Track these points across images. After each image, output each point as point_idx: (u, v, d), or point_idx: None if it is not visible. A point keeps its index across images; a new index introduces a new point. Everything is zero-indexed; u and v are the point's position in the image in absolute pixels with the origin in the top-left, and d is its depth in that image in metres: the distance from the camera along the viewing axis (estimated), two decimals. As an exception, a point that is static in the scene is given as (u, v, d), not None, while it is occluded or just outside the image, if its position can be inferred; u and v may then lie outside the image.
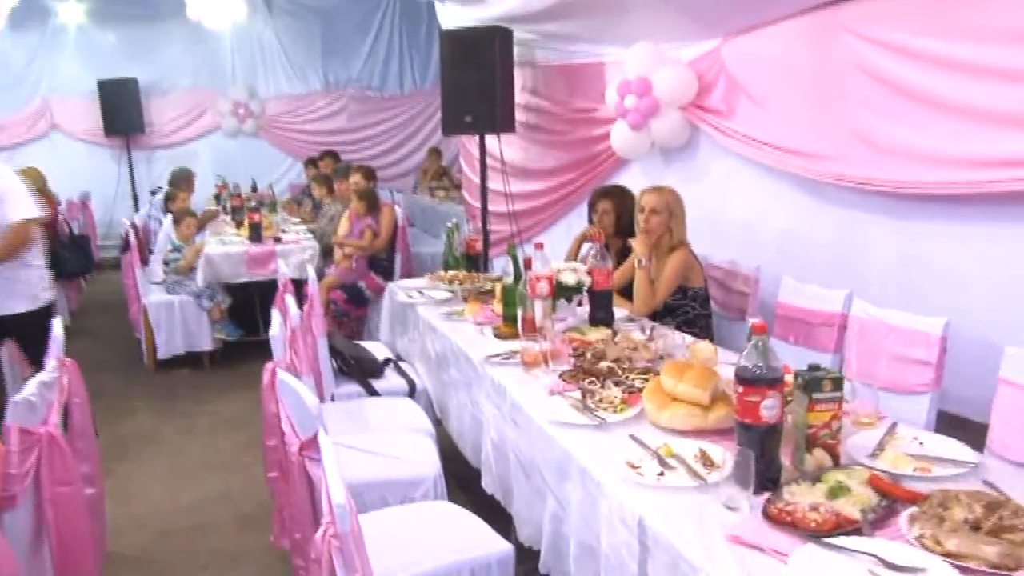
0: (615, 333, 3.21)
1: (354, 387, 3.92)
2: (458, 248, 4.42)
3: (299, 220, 7.88)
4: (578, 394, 2.53)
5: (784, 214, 4.26)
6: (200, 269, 6.15)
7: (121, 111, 10.25)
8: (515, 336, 3.33)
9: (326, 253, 6.48)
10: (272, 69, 11.12)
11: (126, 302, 6.71)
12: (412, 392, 3.91)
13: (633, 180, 5.01)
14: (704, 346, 2.73)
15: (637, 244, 3.78)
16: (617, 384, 2.57)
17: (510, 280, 3.44)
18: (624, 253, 4.33)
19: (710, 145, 4.69)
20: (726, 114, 4.47)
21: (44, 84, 10.53)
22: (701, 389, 2.21)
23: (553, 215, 5.86)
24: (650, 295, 3.71)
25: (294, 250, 6.36)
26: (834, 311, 3.39)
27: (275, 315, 2.93)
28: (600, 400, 2.46)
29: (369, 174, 6.57)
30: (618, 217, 4.37)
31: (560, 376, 2.70)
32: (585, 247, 4.51)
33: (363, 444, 3.11)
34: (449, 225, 4.40)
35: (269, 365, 2.95)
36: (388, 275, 6.39)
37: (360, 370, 3.96)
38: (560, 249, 5.86)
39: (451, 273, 4.22)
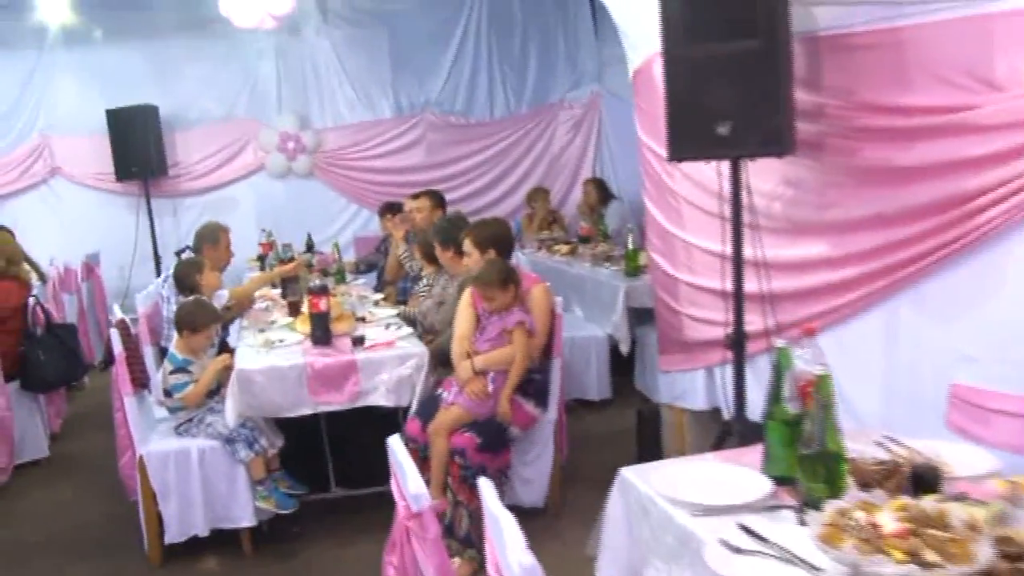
0: None
1: None
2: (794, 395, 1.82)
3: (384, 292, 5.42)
4: None
5: None
6: (231, 397, 3.65)
7: (137, 149, 7.88)
8: None
9: (443, 360, 3.92)
10: (329, 92, 8.73)
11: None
12: None
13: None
14: None
15: None
16: None
17: None
18: None
19: None
20: None
21: (42, 117, 8.28)
22: None
23: (854, 306, 3.20)
24: None
25: (386, 360, 3.80)
26: None
27: None
28: None
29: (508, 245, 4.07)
30: None
31: None
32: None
33: None
34: (782, 346, 1.77)
35: None
36: (542, 396, 3.86)
37: None
38: (869, 378, 3.18)
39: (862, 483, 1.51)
